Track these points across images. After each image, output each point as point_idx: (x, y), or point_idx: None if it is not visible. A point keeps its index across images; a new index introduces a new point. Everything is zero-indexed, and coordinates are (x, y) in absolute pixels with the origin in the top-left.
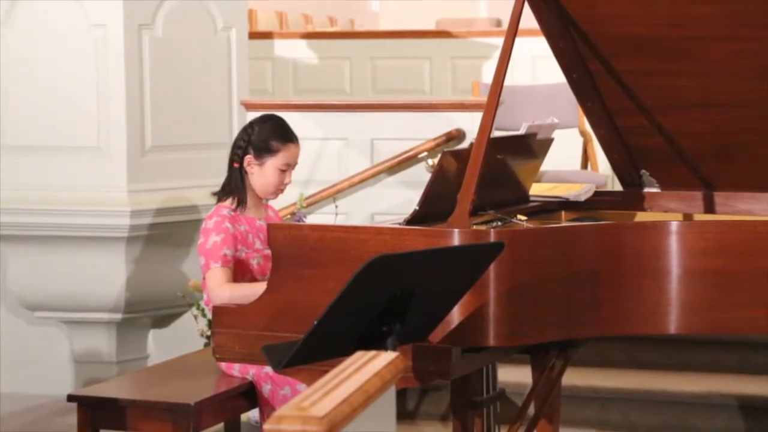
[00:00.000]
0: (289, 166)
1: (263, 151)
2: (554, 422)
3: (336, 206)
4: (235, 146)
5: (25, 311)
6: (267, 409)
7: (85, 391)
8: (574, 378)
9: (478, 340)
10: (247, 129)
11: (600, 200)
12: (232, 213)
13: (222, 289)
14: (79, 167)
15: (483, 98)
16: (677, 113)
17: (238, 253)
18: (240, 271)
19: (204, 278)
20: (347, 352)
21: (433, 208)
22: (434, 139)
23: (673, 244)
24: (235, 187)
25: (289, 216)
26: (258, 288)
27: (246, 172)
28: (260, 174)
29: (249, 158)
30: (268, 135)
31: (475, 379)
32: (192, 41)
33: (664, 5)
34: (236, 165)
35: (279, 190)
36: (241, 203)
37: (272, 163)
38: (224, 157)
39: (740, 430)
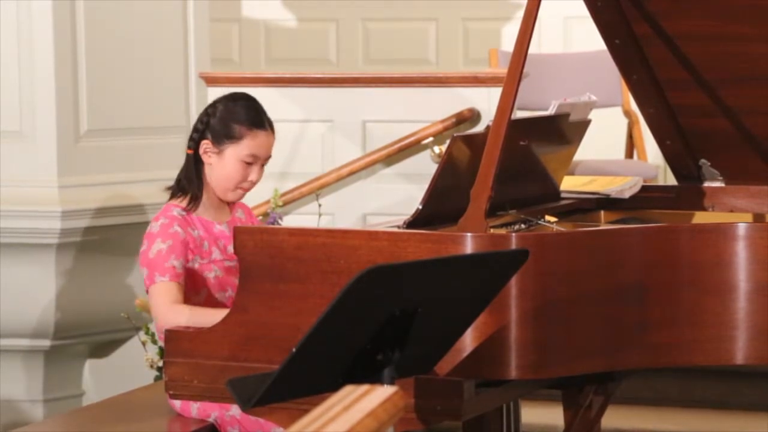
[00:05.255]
0: (256, 159)
1: (223, 135)
2: None
3: (320, 205)
4: (193, 129)
5: None
6: None
7: None
8: (616, 419)
9: (497, 371)
10: (209, 108)
11: (649, 197)
12: (184, 213)
13: (174, 311)
14: None
15: (503, 70)
16: (747, 88)
17: (190, 264)
18: (192, 286)
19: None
20: (334, 387)
21: (441, 207)
22: (442, 122)
23: (741, 251)
24: (186, 179)
25: (261, 217)
26: (218, 315)
27: (202, 162)
28: (218, 165)
29: (206, 144)
30: (231, 116)
31: (493, 421)
32: (138, 1)
33: None
34: (190, 152)
35: (241, 188)
36: (194, 200)
37: (233, 153)
38: (178, 143)
39: None
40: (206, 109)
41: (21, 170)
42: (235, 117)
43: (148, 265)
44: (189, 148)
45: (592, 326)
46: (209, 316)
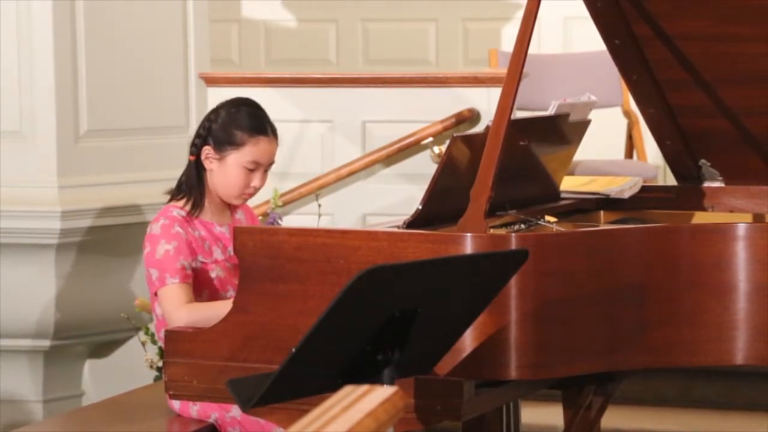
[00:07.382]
0: (258, 165)
1: (225, 142)
2: None
3: (319, 205)
4: (195, 135)
5: None
6: None
7: None
8: (616, 419)
9: (497, 372)
10: (211, 114)
11: (649, 197)
12: (183, 214)
13: (179, 311)
14: None
15: (502, 70)
16: (747, 88)
17: (194, 263)
18: (196, 285)
19: (154, 296)
20: (334, 387)
21: (440, 207)
22: (441, 122)
23: (741, 252)
24: (188, 185)
25: (261, 217)
26: (223, 308)
27: (204, 168)
28: (220, 171)
29: (207, 150)
30: (233, 122)
31: (493, 421)
32: (138, 1)
33: None
34: (192, 158)
35: (245, 194)
36: (196, 206)
37: (235, 159)
38: (178, 143)
39: None
40: (208, 115)
41: (21, 170)
42: (237, 123)
43: (158, 266)
44: (191, 154)
45: (591, 326)
46: (213, 310)
